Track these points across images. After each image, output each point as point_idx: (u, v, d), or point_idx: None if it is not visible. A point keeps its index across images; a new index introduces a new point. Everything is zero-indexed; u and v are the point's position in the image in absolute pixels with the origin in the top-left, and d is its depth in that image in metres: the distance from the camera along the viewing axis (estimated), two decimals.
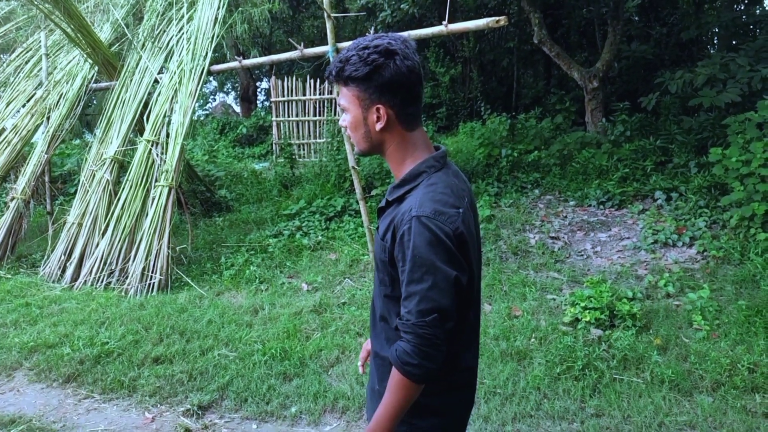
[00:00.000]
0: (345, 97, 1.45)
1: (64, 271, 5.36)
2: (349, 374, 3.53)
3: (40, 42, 7.50)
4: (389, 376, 1.40)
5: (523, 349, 3.65)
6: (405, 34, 5.35)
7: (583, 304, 3.96)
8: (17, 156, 6.57)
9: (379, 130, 1.44)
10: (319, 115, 11.51)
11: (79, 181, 9.15)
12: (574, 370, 3.34)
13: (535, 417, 3.02)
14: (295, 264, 5.57)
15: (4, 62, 8.18)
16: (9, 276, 5.39)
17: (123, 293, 4.84)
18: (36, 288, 5.05)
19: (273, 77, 11.97)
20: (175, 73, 5.93)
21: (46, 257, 5.66)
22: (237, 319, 4.26)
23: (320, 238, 6.22)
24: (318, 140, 11.20)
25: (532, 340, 3.80)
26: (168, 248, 5.03)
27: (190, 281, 5.01)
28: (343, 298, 4.76)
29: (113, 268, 5.10)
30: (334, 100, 11.30)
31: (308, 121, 11.65)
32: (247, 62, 5.85)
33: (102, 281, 5.04)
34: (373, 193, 7.26)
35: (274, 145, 11.73)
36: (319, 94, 11.68)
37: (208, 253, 5.90)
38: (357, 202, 6.32)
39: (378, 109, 1.42)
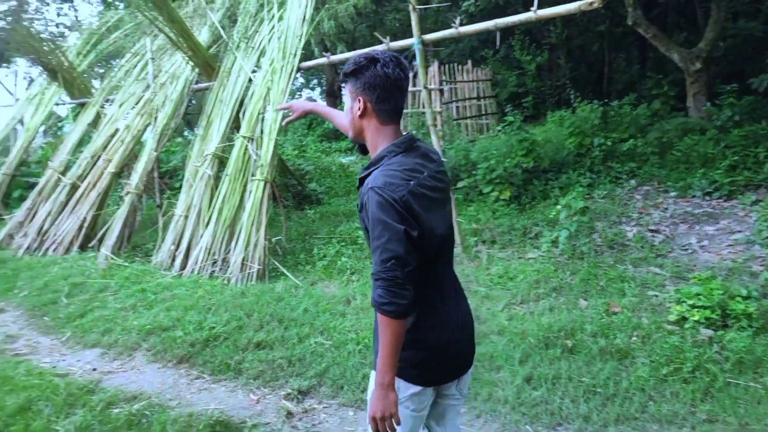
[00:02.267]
0: (345, 91, 1.86)
1: (173, 260, 5.77)
2: None
3: (146, 47, 8.07)
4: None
5: (624, 348, 3.50)
6: (491, 23, 5.28)
7: (690, 302, 3.73)
8: (130, 153, 7.14)
9: (359, 117, 1.82)
10: (405, 108, 11.57)
11: (183, 176, 9.82)
12: (682, 372, 3.16)
13: (640, 419, 2.90)
14: None
15: (116, 67, 8.89)
16: (126, 264, 5.88)
17: (225, 281, 5.15)
18: (150, 275, 5.48)
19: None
20: (267, 71, 6.18)
21: (157, 247, 6.13)
22: (331, 308, 4.40)
23: None
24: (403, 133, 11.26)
25: (634, 338, 3.63)
26: (265, 239, 5.28)
27: (285, 271, 5.23)
28: None
29: (216, 257, 5.43)
30: (417, 93, 11.30)
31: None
32: (334, 58, 5.98)
33: (207, 270, 5.39)
34: (460, 185, 7.21)
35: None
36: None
37: (301, 244, 6.12)
38: None
39: (359, 100, 1.80)
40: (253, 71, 6.49)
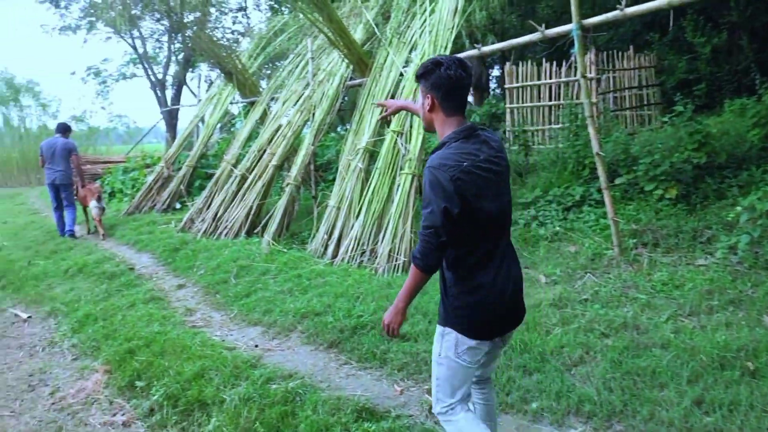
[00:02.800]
0: (419, 90, 2.23)
1: (326, 248, 6.14)
2: (595, 377, 3.31)
3: (307, 47, 8.63)
4: (444, 283, 2.22)
5: None
6: (664, 1, 4.74)
7: None
8: (290, 148, 7.71)
9: (428, 111, 2.17)
10: (555, 100, 10.99)
11: (336, 169, 10.40)
12: None
13: None
14: (532, 254, 5.44)
15: (280, 68, 9.66)
16: (284, 250, 6.38)
17: (373, 271, 5.34)
18: (305, 262, 5.89)
19: (507, 63, 11.80)
20: (418, 65, 6.24)
21: (312, 236, 6.56)
22: None
23: (558, 228, 5.95)
24: (554, 126, 10.71)
25: None
26: (411, 232, 5.37)
27: None
28: (585, 294, 4.48)
29: (365, 248, 5.66)
30: (572, 84, 10.67)
31: (543, 107, 11.23)
32: (486, 49, 5.85)
33: (356, 260, 5.64)
34: (618, 181, 6.66)
35: (507, 133, 11.62)
36: (556, 77, 11.13)
37: None
38: (598, 191, 5.88)
39: (428, 97, 2.14)
40: (404, 66, 6.60)
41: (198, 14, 21.32)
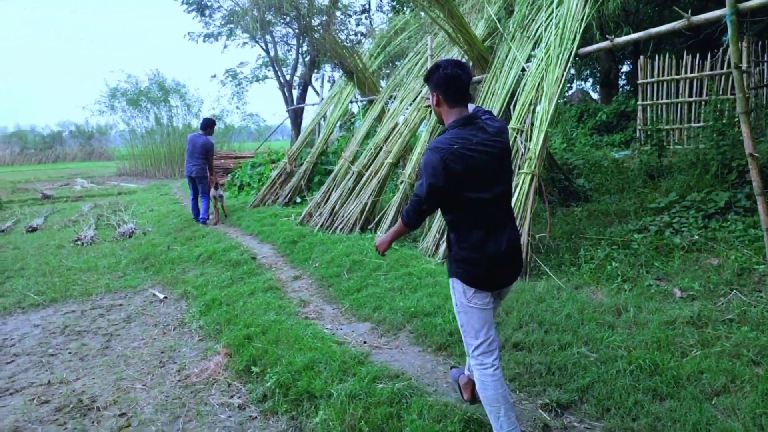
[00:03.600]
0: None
1: (437, 247, 6.03)
2: (742, 410, 2.86)
3: (426, 46, 8.56)
4: (448, 240, 2.77)
5: None
6: None
7: None
8: (406, 145, 7.71)
9: (436, 106, 2.65)
10: (696, 96, 9.92)
11: None
12: None
13: None
14: (665, 265, 4.90)
15: (399, 66, 9.71)
16: (396, 247, 6.38)
17: None
18: (416, 260, 5.83)
19: (641, 57, 10.87)
20: (542, 60, 5.91)
21: (423, 234, 6.48)
22: (597, 317, 3.98)
23: (696, 237, 5.33)
24: (693, 124, 9.68)
25: None
26: (528, 236, 5.08)
27: (548, 271, 4.96)
28: (730, 314, 3.94)
29: None
30: (717, 77, 9.56)
31: (681, 103, 10.19)
32: (619, 40, 5.38)
33: None
34: None
35: (638, 132, 10.72)
36: (698, 71, 10.05)
37: (566, 243, 5.74)
38: (748, 197, 5.17)
39: (434, 95, 2.63)
40: (527, 61, 6.29)
41: (324, 17, 22.23)
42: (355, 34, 22.36)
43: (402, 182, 7.10)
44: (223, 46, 24.15)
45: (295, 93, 23.45)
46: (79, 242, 9.43)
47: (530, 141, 5.49)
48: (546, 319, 3.97)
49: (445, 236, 5.87)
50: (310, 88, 23.86)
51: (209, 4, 23.02)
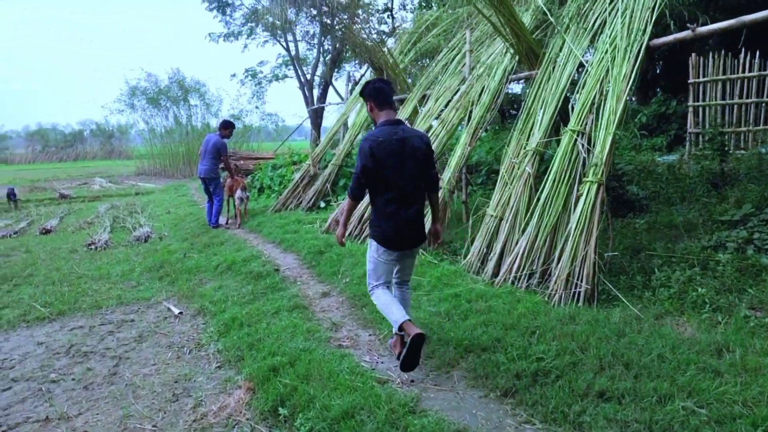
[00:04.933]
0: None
1: (482, 263, 5.38)
2: None
3: (462, 41, 7.92)
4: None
5: None
6: None
7: None
8: (443, 148, 7.06)
9: (370, 111, 3.70)
10: (760, 96, 9.11)
11: (486, 171, 9.58)
12: None
13: None
14: (759, 291, 4.19)
15: (433, 63, 9.06)
16: (435, 262, 5.73)
17: (546, 299, 4.46)
18: (460, 278, 5.17)
19: (693, 55, 10.05)
20: (606, 53, 5.23)
21: (465, 247, 5.83)
22: (695, 359, 3.29)
23: None
24: (757, 127, 8.88)
25: None
26: (595, 254, 4.40)
27: (620, 296, 4.26)
28: None
29: (534, 268, 4.79)
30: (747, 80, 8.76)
31: (740, 104, 9.38)
32: (703, 29, 4.68)
33: (522, 281, 4.79)
34: None
35: (688, 135, 9.92)
36: (758, 70, 9.24)
37: (635, 262, 5.03)
38: None
39: (368, 103, 3.67)
40: (584, 55, 5.61)
41: (346, 15, 21.69)
42: (377, 33, 21.77)
43: (440, 188, 6.44)
44: (243, 46, 23.71)
45: (316, 92, 22.94)
46: (92, 246, 8.97)
47: (595, 145, 4.80)
48: (633, 360, 3.28)
49: (492, 252, 5.23)
50: (330, 87, 23.38)
51: (230, 2, 22.63)
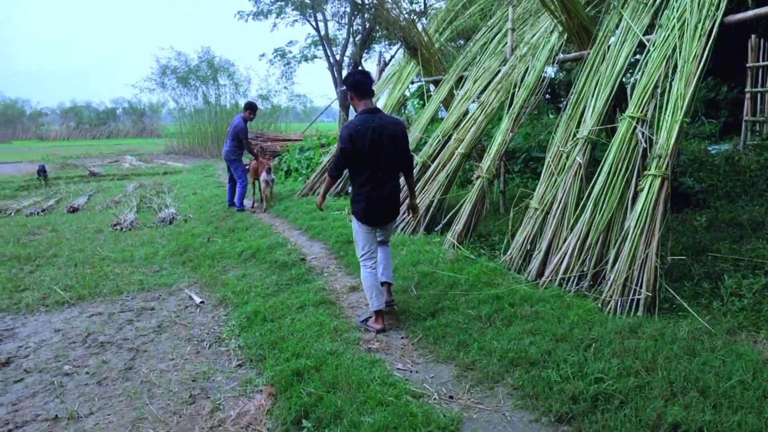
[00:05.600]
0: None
1: (524, 260, 4.95)
2: None
3: (502, 19, 7.38)
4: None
5: None
6: None
7: None
8: (481, 133, 6.59)
9: (351, 100, 4.07)
10: None
11: (523, 159, 9.06)
12: None
13: None
14: None
15: (471, 43, 8.52)
16: (473, 257, 5.31)
17: (600, 305, 4.00)
18: (501, 277, 4.75)
19: (752, 36, 9.28)
20: (672, 30, 4.68)
21: (505, 242, 5.39)
22: None
23: None
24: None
25: None
26: (656, 256, 3.92)
27: (686, 306, 3.78)
28: None
29: (584, 269, 4.33)
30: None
31: None
32: None
33: (571, 283, 4.35)
34: None
35: (744, 123, 9.19)
36: None
37: (698, 266, 4.52)
38: None
39: (349, 93, 4.09)
40: (646, 34, 5.06)
41: None
42: (409, 13, 21.11)
43: (479, 177, 5.98)
44: (272, 25, 23.30)
45: (345, 73, 22.49)
46: (117, 227, 8.83)
47: (659, 133, 4.29)
48: (710, 387, 2.83)
49: (536, 249, 4.79)
50: (360, 68, 22.86)
51: None
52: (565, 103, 5.58)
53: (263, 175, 9.44)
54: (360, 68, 4.64)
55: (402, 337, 4.05)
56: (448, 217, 6.23)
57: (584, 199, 4.65)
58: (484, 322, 3.89)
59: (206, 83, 27.17)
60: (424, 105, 13.95)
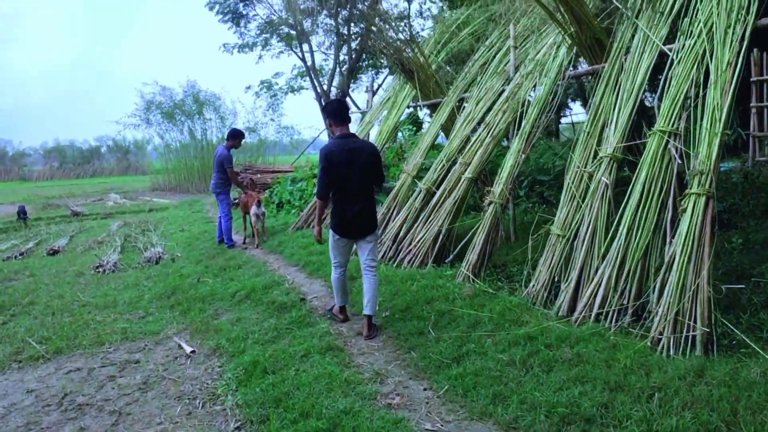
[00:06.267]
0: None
1: (549, 293, 4.48)
2: None
3: (500, 38, 7.09)
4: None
5: None
6: None
7: None
8: (488, 156, 6.19)
9: (329, 126, 4.68)
10: None
11: (525, 182, 8.67)
12: None
13: None
14: None
15: (469, 63, 8.20)
16: (491, 291, 4.83)
17: (649, 344, 3.52)
18: (527, 312, 4.26)
19: (754, 50, 9.07)
20: (697, 37, 4.34)
21: (525, 274, 4.93)
22: None
23: None
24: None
25: None
26: (708, 285, 3.47)
27: (751, 343, 3.31)
28: None
29: (624, 303, 3.87)
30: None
31: None
32: None
33: (610, 319, 3.87)
34: None
35: (751, 139, 8.92)
36: None
37: (745, 293, 4.07)
38: None
39: (327, 120, 4.68)
40: (666, 44, 4.73)
41: (363, 25, 21.03)
42: (395, 42, 21.04)
43: (492, 203, 5.54)
44: (258, 57, 23.11)
45: None
46: (100, 269, 8.24)
47: (697, 148, 3.88)
48: None
49: (565, 280, 4.33)
50: (347, 99, 22.68)
51: (245, 13, 22.10)
52: (586, 120, 5.21)
53: (253, 209, 8.94)
54: (337, 98, 5.38)
55: (424, 389, 3.53)
56: (459, 247, 5.77)
57: (614, 223, 4.22)
58: (519, 369, 3.38)
59: (191, 118, 26.79)
60: (417, 131, 13.64)
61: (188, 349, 4.76)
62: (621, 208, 4.22)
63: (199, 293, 6.35)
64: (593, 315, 3.93)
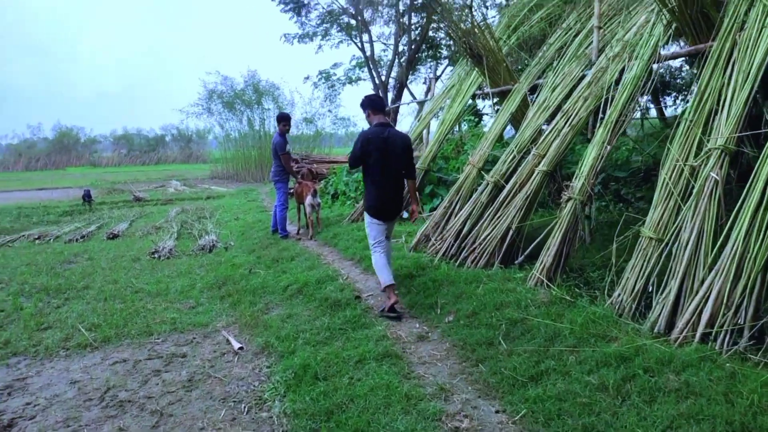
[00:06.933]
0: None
1: (639, 304, 3.88)
2: None
3: (580, 20, 6.42)
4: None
5: None
6: None
7: None
8: (566, 148, 5.58)
9: (367, 117, 5.09)
10: None
11: (600, 177, 7.94)
12: None
13: None
14: None
15: (545, 48, 7.54)
16: (569, 298, 4.26)
17: None
18: (613, 325, 3.69)
19: None
20: None
21: (608, 280, 4.33)
22: None
23: None
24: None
25: None
26: None
27: None
28: None
29: (738, 320, 3.24)
30: None
31: None
32: None
33: (723, 341, 3.25)
34: None
35: None
36: None
37: None
38: None
39: (366, 111, 5.08)
40: None
41: (423, 15, 20.49)
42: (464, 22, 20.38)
43: (570, 199, 4.95)
44: (317, 47, 23.00)
45: (390, 95, 21.89)
46: (155, 255, 8.19)
47: None
48: None
49: (663, 291, 3.71)
50: (405, 89, 22.22)
51: (306, 2, 22.02)
52: (687, 106, 4.54)
53: (308, 199, 8.65)
54: (374, 93, 6.34)
55: (497, 411, 3.05)
56: (531, 247, 5.22)
57: (726, 226, 3.57)
58: (613, 396, 2.84)
59: (251, 107, 27.08)
60: (478, 123, 13.02)
61: (236, 346, 4.48)
62: (735, 210, 3.57)
63: (250, 285, 6.10)
64: (698, 335, 3.32)
